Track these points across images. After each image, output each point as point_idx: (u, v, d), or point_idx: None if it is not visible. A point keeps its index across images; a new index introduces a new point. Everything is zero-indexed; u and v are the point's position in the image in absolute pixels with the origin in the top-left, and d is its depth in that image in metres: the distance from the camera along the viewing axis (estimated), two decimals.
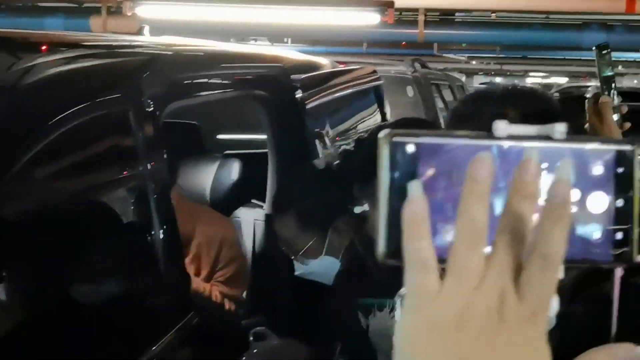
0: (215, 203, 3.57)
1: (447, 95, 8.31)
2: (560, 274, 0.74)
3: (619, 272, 0.91)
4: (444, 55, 14.81)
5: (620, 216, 0.79)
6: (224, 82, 2.80)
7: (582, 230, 0.78)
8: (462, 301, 0.68)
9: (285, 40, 13.73)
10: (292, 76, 3.12)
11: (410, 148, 0.77)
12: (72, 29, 7.44)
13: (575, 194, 0.77)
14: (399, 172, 0.76)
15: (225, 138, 4.83)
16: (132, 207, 2.17)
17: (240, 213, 3.50)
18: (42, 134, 1.78)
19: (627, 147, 0.80)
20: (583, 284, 1.05)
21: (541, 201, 0.75)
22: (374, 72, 4.22)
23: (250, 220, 3.51)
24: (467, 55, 16.93)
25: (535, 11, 9.00)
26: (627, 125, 2.27)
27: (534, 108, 1.72)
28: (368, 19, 5.98)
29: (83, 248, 1.97)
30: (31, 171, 1.79)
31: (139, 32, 3.77)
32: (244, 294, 3.04)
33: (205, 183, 3.64)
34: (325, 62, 3.85)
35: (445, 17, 10.25)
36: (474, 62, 19.59)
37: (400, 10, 8.80)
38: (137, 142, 2.07)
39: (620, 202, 0.79)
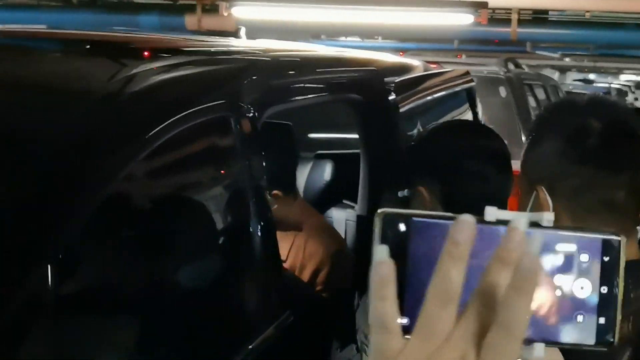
0: (308, 203, 3.64)
1: (541, 95, 8.24)
2: (541, 352, 0.79)
3: None
4: (537, 52, 14.66)
5: (604, 302, 0.83)
6: (319, 86, 2.85)
7: (568, 314, 0.82)
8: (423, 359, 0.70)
9: (376, 37, 13.75)
10: (386, 79, 3.17)
11: (402, 227, 0.81)
12: (167, 26, 7.57)
13: (563, 280, 0.82)
14: (391, 248, 0.79)
15: (318, 138, 4.89)
16: (231, 207, 2.22)
17: (332, 213, 3.56)
18: (144, 142, 1.84)
19: (613, 238, 0.83)
20: None
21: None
22: (467, 73, 4.24)
23: (342, 220, 3.56)
24: (560, 52, 16.73)
25: (629, 11, 8.89)
26: None
27: (616, 120, 1.75)
28: (461, 19, 5.98)
29: (184, 247, 2.04)
30: (133, 179, 1.85)
31: (236, 33, 3.85)
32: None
33: (299, 183, 3.71)
34: (418, 64, 3.89)
35: (538, 15, 10.17)
36: (567, 59, 19.33)
37: (493, 9, 8.76)
38: (238, 147, 2.13)
39: (604, 289, 0.83)
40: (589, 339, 0.82)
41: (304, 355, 2.34)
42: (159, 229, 1.97)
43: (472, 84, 4.21)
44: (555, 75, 23.72)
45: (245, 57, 2.72)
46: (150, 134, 1.85)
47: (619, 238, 0.83)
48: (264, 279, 2.21)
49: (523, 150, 1.81)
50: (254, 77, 2.37)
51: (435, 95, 3.60)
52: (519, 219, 0.79)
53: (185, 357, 1.94)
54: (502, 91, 7.15)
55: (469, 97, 4.20)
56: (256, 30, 8.24)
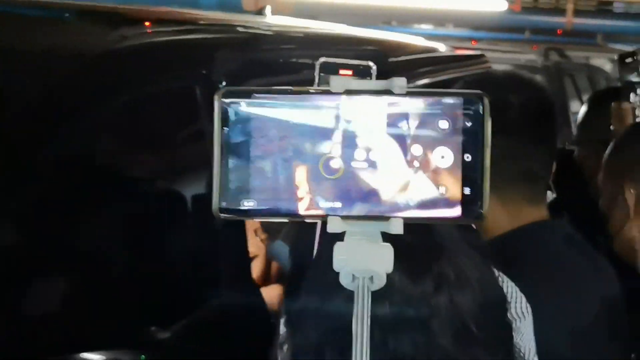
0: None
1: (584, 85, 8.14)
2: (399, 228, 0.78)
3: None
4: (609, 46, 14.40)
5: (469, 171, 0.78)
6: (316, 63, 2.87)
7: (428, 186, 0.78)
8: None
9: (445, 24, 13.65)
10: (390, 59, 3.19)
11: (244, 105, 0.79)
12: (225, 5, 7.63)
13: (418, 149, 0.78)
14: (232, 128, 0.79)
15: None
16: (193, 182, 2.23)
17: None
18: (113, 98, 1.92)
19: (475, 100, 0.78)
20: None
21: (380, 159, 0.78)
22: (482, 56, 4.22)
23: None
24: (637, 46, 16.34)
25: None
26: None
27: (533, 95, 1.82)
28: (495, 5, 5.98)
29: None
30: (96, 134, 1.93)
31: (261, 11, 3.89)
32: None
33: None
34: (437, 46, 3.90)
35: (603, 7, 10.02)
36: None
37: None
38: (202, 119, 2.16)
39: (468, 157, 0.78)
40: (455, 212, 0.78)
41: None
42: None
43: (487, 67, 4.17)
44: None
45: (248, 31, 2.76)
46: (116, 91, 1.94)
47: (481, 100, 0.78)
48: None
49: None
50: (238, 49, 2.41)
51: (440, 78, 3.60)
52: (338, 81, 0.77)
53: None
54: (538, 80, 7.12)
55: None
56: (325, 15, 8.28)
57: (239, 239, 2.21)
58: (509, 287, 1.44)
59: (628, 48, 16.70)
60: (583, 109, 2.96)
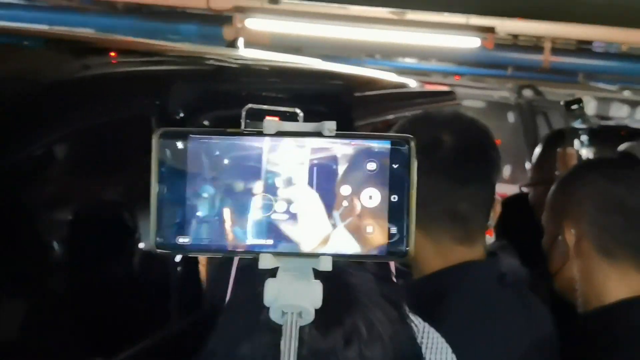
0: None
1: (558, 123, 8.18)
2: (327, 265, 0.82)
3: None
4: (591, 84, 14.45)
5: (395, 211, 0.82)
6: (279, 96, 2.91)
7: (357, 225, 0.81)
8: None
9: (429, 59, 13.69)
10: (356, 94, 3.22)
11: (180, 145, 0.82)
12: (206, 36, 7.69)
13: (346, 189, 0.82)
14: (169, 168, 0.82)
15: None
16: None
17: None
18: (68, 125, 1.92)
19: (401, 142, 0.82)
20: None
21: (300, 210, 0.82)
22: (451, 92, 4.26)
23: None
24: (619, 85, 16.36)
25: None
26: None
27: (467, 135, 1.82)
28: (468, 42, 6.02)
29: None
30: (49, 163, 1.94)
31: (234, 43, 3.91)
32: None
33: None
34: (407, 82, 3.93)
35: (584, 46, 10.06)
36: (625, 93, 18.95)
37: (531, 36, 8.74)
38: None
39: (395, 197, 0.82)
40: (381, 250, 0.82)
41: None
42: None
43: (455, 104, 4.22)
44: (624, 110, 23.28)
45: (214, 63, 2.79)
46: (73, 119, 1.93)
47: (407, 143, 0.81)
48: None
49: None
50: (191, 81, 2.44)
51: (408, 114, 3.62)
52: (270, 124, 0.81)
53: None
54: (511, 117, 7.21)
55: None
56: (306, 47, 8.33)
57: (190, 267, 2.23)
58: (432, 339, 1.44)
59: (610, 87, 16.78)
60: (537, 151, 3.00)
